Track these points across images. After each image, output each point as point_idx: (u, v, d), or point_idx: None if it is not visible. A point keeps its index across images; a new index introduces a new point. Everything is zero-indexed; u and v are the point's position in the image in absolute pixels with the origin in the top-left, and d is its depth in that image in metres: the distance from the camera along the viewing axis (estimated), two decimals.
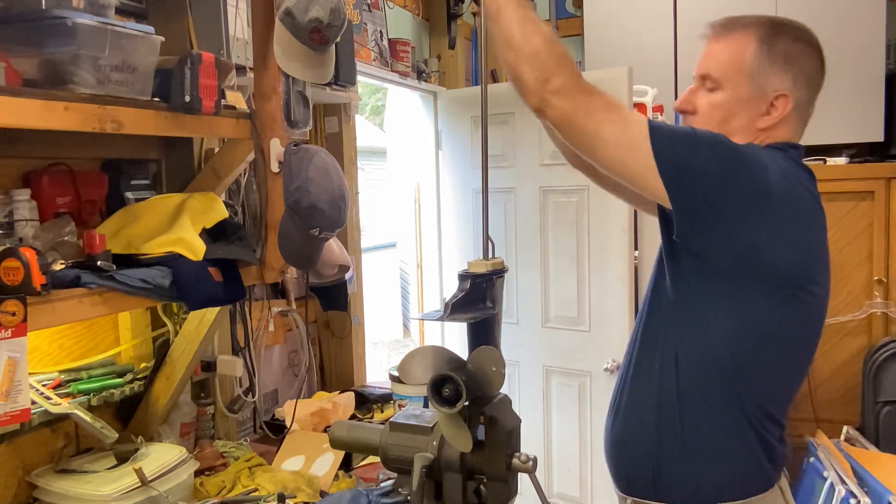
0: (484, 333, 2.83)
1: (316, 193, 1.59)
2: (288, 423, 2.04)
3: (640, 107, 2.95)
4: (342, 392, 2.37)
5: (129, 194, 1.67)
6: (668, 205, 1.17)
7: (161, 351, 1.83)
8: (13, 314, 1.14)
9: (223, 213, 1.64)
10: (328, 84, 1.91)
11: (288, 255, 1.67)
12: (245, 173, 1.98)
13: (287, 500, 1.55)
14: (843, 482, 2.55)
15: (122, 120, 1.31)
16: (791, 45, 1.28)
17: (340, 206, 1.64)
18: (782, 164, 1.22)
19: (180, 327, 1.82)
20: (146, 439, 1.68)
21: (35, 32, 1.22)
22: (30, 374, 1.35)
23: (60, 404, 1.53)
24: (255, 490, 1.69)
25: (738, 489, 1.25)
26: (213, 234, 1.61)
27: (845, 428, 3.05)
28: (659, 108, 3.03)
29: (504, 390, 1.34)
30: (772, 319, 1.22)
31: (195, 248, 1.47)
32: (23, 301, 1.15)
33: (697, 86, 1.33)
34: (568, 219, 3.04)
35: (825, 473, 2.65)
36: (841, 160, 3.24)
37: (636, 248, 3.01)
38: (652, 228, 3.06)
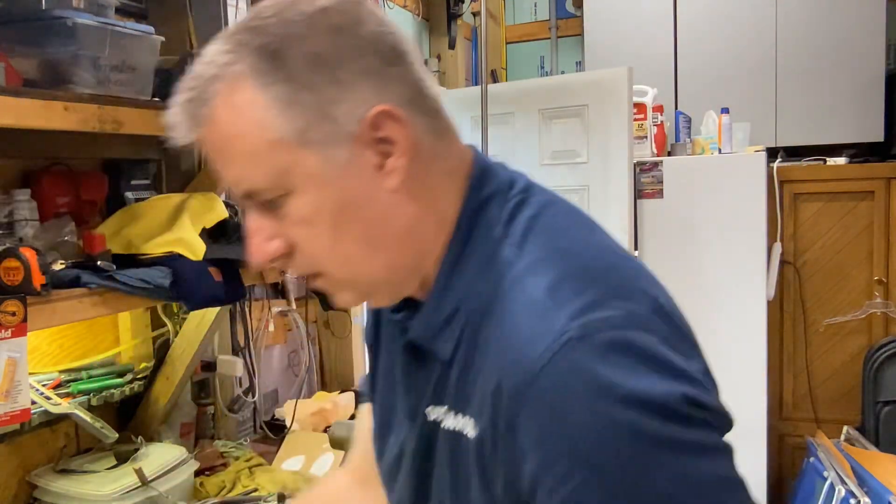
0: None
1: None
2: (288, 423, 2.04)
3: (640, 107, 2.95)
4: (342, 392, 2.37)
5: (129, 194, 1.67)
6: None
7: (161, 351, 1.83)
8: (13, 314, 1.14)
9: (223, 213, 1.64)
10: None
11: None
12: None
13: (287, 500, 1.55)
14: (843, 482, 2.55)
15: (122, 120, 1.31)
16: (310, 38, 0.62)
17: None
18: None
19: (180, 327, 1.82)
20: (146, 439, 1.68)
21: (35, 32, 1.22)
22: (30, 374, 1.34)
23: (60, 404, 1.53)
24: (255, 490, 1.69)
25: None
26: (213, 234, 1.61)
27: (845, 428, 3.05)
28: (659, 108, 3.04)
29: None
30: None
31: (195, 248, 1.47)
32: (23, 301, 1.15)
33: (255, 214, 0.67)
34: None
35: (825, 473, 2.65)
36: (841, 160, 3.24)
37: (636, 248, 3.01)
38: (652, 228, 3.07)
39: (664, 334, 0.60)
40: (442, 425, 0.69)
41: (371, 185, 0.65)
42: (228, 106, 0.64)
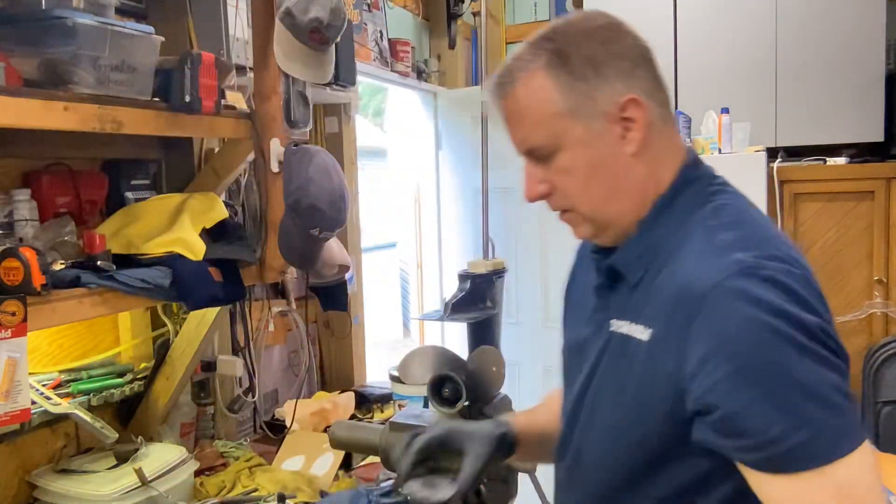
0: (484, 333, 2.84)
1: (316, 193, 1.59)
2: (288, 423, 2.04)
3: None
4: (342, 392, 2.37)
5: (129, 194, 1.67)
6: None
7: (161, 351, 1.83)
8: (13, 314, 1.14)
9: (223, 213, 1.64)
10: (328, 84, 1.91)
11: (288, 255, 1.67)
12: (245, 173, 1.98)
13: (287, 500, 1.55)
14: None
15: (122, 120, 1.32)
16: (586, 44, 0.93)
17: (340, 206, 1.64)
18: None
19: (180, 327, 1.82)
20: (146, 439, 1.68)
21: (35, 32, 1.22)
22: (30, 374, 1.35)
23: (60, 404, 1.53)
24: (255, 490, 1.69)
25: None
26: (213, 234, 1.61)
27: None
28: None
29: (504, 390, 1.34)
30: None
31: (195, 248, 1.47)
32: (23, 301, 1.15)
33: (530, 164, 0.98)
34: None
35: None
36: (841, 160, 3.24)
37: None
38: None
39: (811, 292, 0.83)
40: (617, 332, 0.94)
41: (615, 149, 0.93)
42: (527, 87, 0.93)
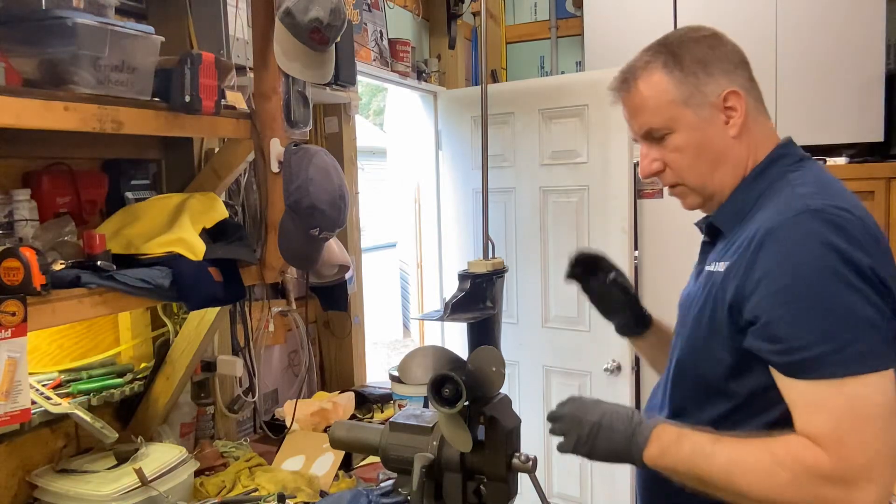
0: (484, 333, 2.84)
1: (316, 193, 1.59)
2: (288, 423, 2.04)
3: None
4: (342, 392, 2.37)
5: (129, 194, 1.67)
6: None
7: (161, 351, 1.83)
8: (13, 314, 1.14)
9: (223, 213, 1.64)
10: (328, 84, 1.91)
11: (288, 255, 1.67)
12: (245, 173, 1.98)
13: (287, 500, 1.55)
14: None
15: (122, 120, 1.31)
16: (695, 48, 1.16)
17: (340, 206, 1.64)
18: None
19: (180, 327, 1.82)
20: (146, 439, 1.68)
21: (35, 32, 1.22)
22: (30, 374, 1.35)
23: (60, 404, 1.53)
24: (255, 490, 1.69)
25: None
26: (213, 234, 1.61)
27: None
28: None
29: (504, 390, 1.34)
30: None
31: (195, 248, 1.47)
32: (23, 301, 1.15)
33: (647, 145, 1.21)
34: (568, 219, 3.04)
35: None
36: (841, 160, 3.24)
37: (636, 248, 3.01)
38: (652, 228, 3.07)
39: (866, 236, 1.00)
40: (707, 270, 1.16)
41: (720, 132, 1.16)
42: (648, 81, 1.18)
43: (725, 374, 1.09)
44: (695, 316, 1.15)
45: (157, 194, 1.70)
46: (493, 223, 3.15)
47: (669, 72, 1.15)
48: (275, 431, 2.17)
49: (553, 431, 1.18)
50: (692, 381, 1.16)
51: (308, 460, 1.86)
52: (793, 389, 0.99)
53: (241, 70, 1.83)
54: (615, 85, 1.24)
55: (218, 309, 1.73)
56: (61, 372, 1.67)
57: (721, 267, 1.10)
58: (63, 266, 1.28)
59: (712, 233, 1.21)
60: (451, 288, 3.01)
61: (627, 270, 2.89)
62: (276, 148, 1.64)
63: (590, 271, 1.50)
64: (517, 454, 1.15)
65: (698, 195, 1.20)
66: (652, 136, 1.19)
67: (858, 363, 0.94)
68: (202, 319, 1.77)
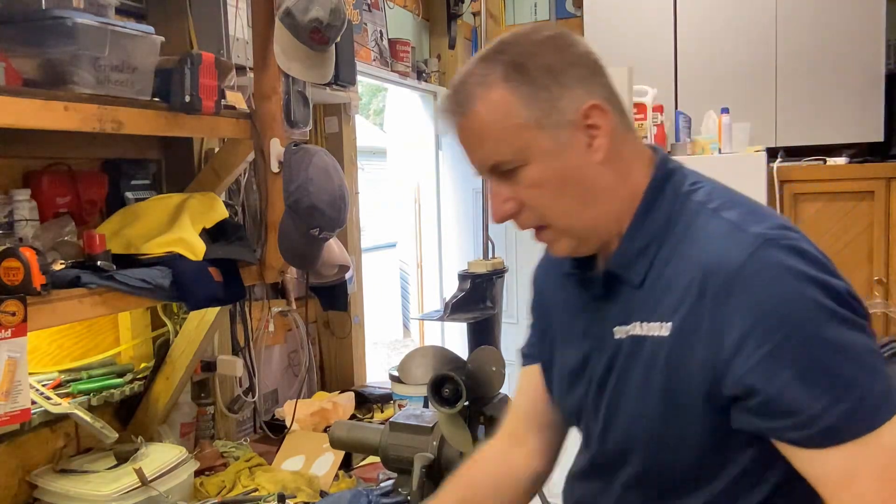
0: (484, 333, 2.84)
1: (316, 193, 1.59)
2: (288, 423, 2.04)
3: (640, 107, 2.95)
4: (342, 392, 2.37)
5: (129, 194, 1.67)
6: None
7: (161, 351, 1.82)
8: (13, 314, 1.14)
9: (223, 213, 1.64)
10: (328, 84, 1.91)
11: (288, 255, 1.67)
12: (245, 173, 1.98)
13: (287, 500, 1.55)
14: None
15: (122, 120, 1.31)
16: (541, 54, 0.89)
17: (340, 206, 1.64)
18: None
19: (180, 327, 1.82)
20: (146, 439, 1.68)
21: (35, 32, 1.22)
22: (30, 374, 1.34)
23: (60, 404, 1.53)
24: (255, 490, 1.69)
25: None
26: (213, 234, 1.61)
27: None
28: (659, 108, 3.03)
29: (504, 390, 1.34)
30: None
31: (195, 248, 1.47)
32: (23, 301, 1.15)
33: (496, 183, 0.93)
34: None
35: None
36: (841, 160, 3.24)
37: None
38: None
39: (825, 256, 0.84)
40: (625, 337, 0.91)
41: (584, 158, 0.90)
42: (486, 101, 0.88)
43: (699, 462, 0.89)
44: (634, 397, 0.91)
45: (157, 194, 1.70)
46: (493, 223, 3.14)
47: (514, 87, 0.87)
48: (275, 431, 2.16)
49: None
50: (652, 479, 0.94)
51: (308, 460, 1.85)
52: (820, 463, 0.80)
53: (241, 70, 1.83)
54: (446, 107, 0.93)
55: (218, 309, 1.73)
56: (61, 372, 1.67)
57: (658, 330, 0.87)
58: (63, 266, 1.28)
59: (609, 282, 0.95)
60: (451, 288, 3.01)
61: None
62: (276, 148, 1.64)
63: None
64: None
65: (568, 237, 0.94)
66: (500, 171, 0.91)
67: (886, 406, 0.79)
68: (202, 319, 1.77)
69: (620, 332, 0.92)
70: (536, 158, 0.89)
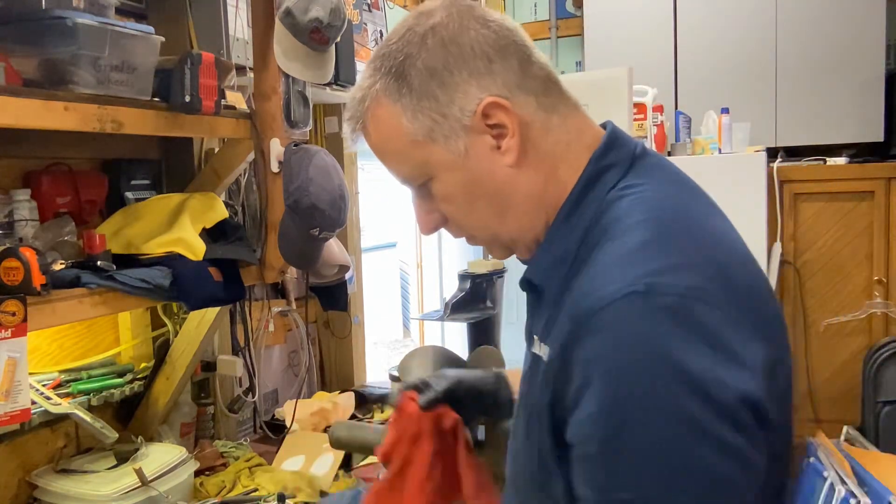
0: (484, 333, 2.84)
1: (316, 193, 1.59)
2: (288, 423, 2.04)
3: (640, 107, 2.95)
4: (342, 392, 2.37)
5: (129, 194, 1.67)
6: None
7: (161, 351, 1.83)
8: (13, 314, 1.14)
9: (223, 213, 1.64)
10: (328, 84, 1.91)
11: (288, 255, 1.67)
12: (245, 173, 1.97)
13: (287, 500, 1.55)
14: (843, 482, 2.54)
15: (122, 120, 1.32)
16: (421, 55, 0.77)
17: (340, 206, 1.64)
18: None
19: (180, 327, 1.82)
20: (146, 439, 1.68)
21: (35, 32, 1.22)
22: (30, 374, 1.34)
23: (60, 404, 1.53)
24: (255, 490, 1.69)
25: None
26: (213, 234, 1.61)
27: (845, 428, 3.05)
28: (659, 108, 3.04)
29: None
30: None
31: (195, 248, 1.47)
32: (23, 301, 1.15)
33: (415, 194, 0.86)
34: None
35: (825, 473, 2.65)
36: (841, 160, 3.24)
37: None
38: None
39: (728, 313, 0.66)
40: (535, 352, 0.81)
41: (492, 163, 0.79)
42: (375, 119, 0.81)
43: None
44: (521, 422, 0.83)
45: (157, 194, 1.70)
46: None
47: (396, 100, 0.78)
48: (275, 431, 2.16)
49: None
50: None
51: (308, 460, 1.85)
52: None
53: (241, 70, 1.83)
54: (347, 124, 0.85)
55: (218, 309, 1.73)
56: (61, 372, 1.67)
57: (545, 353, 0.76)
58: (63, 266, 1.28)
59: (533, 290, 0.85)
60: (451, 288, 3.01)
61: None
62: (276, 148, 1.64)
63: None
64: None
65: (500, 246, 0.86)
66: (412, 187, 0.84)
67: None
68: (202, 319, 1.77)
69: (535, 345, 0.82)
70: (438, 173, 0.80)
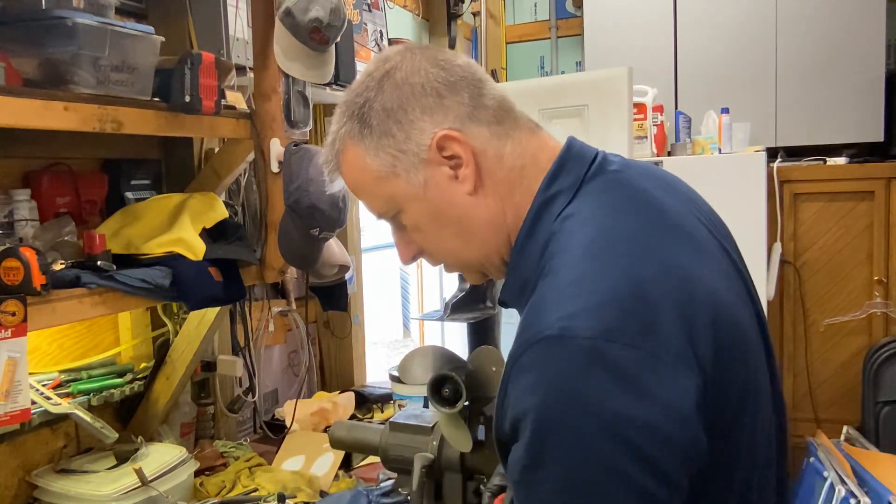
0: (484, 333, 2.84)
1: (316, 193, 1.59)
2: (288, 423, 2.04)
3: (640, 107, 2.95)
4: (342, 392, 2.37)
5: (129, 194, 1.67)
6: None
7: (161, 351, 1.83)
8: (13, 314, 1.14)
9: (223, 213, 1.64)
10: (328, 84, 1.91)
11: (288, 255, 1.67)
12: (245, 173, 1.98)
13: (287, 500, 1.55)
14: (843, 482, 2.55)
15: (122, 120, 1.32)
16: (378, 97, 0.83)
17: (340, 207, 1.64)
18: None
19: (180, 327, 1.82)
20: (146, 439, 1.68)
21: (35, 32, 1.22)
22: (30, 374, 1.34)
23: (60, 404, 1.53)
24: (255, 490, 1.69)
25: None
26: (213, 234, 1.61)
27: (845, 428, 3.05)
28: (659, 108, 3.04)
29: None
30: None
31: (195, 248, 1.47)
32: (23, 301, 1.15)
33: (392, 227, 0.91)
34: None
35: (825, 473, 2.65)
36: (841, 160, 3.24)
37: None
38: None
39: (646, 351, 0.66)
40: None
41: (451, 193, 0.83)
42: (345, 161, 0.87)
43: None
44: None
45: (157, 194, 1.70)
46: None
47: (359, 141, 0.84)
48: (275, 431, 2.16)
49: None
50: None
51: (308, 460, 1.85)
52: None
53: (241, 70, 1.83)
54: (325, 169, 0.92)
55: (218, 309, 1.73)
56: (61, 372, 1.67)
57: None
58: (63, 266, 1.28)
59: (509, 308, 0.90)
60: (451, 288, 3.01)
61: None
62: (276, 148, 1.64)
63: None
64: None
65: (471, 270, 0.91)
66: (387, 220, 0.90)
67: None
68: (202, 319, 1.77)
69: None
70: (405, 205, 0.85)
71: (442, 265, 0.92)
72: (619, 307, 0.68)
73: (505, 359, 0.75)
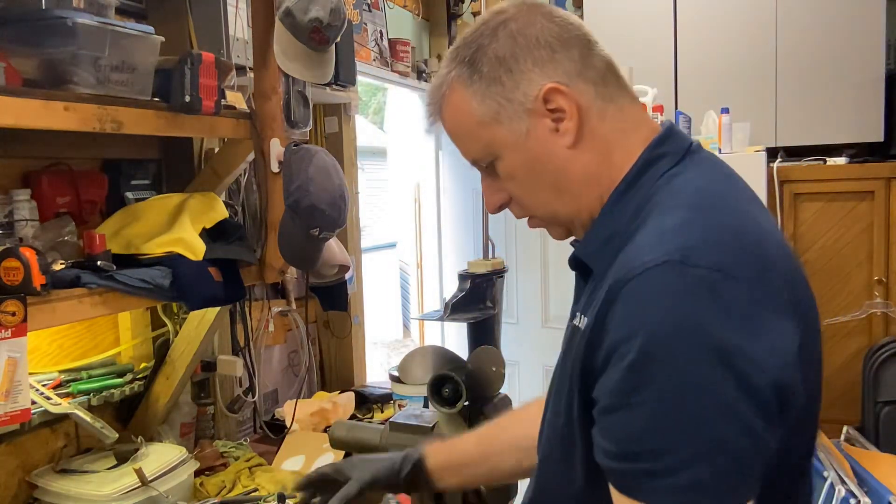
0: (484, 333, 2.84)
1: (316, 193, 1.59)
2: (288, 423, 2.04)
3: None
4: (342, 392, 2.37)
5: (129, 194, 1.67)
6: None
7: (161, 351, 1.83)
8: (13, 314, 1.14)
9: (223, 213, 1.64)
10: (328, 84, 1.91)
11: (288, 255, 1.67)
12: (245, 173, 1.98)
13: (287, 500, 1.55)
14: (843, 482, 2.55)
15: (122, 120, 1.32)
16: (492, 45, 0.86)
17: (340, 206, 1.64)
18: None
19: (180, 327, 1.82)
20: (146, 439, 1.68)
21: (35, 32, 1.22)
22: (30, 374, 1.35)
23: (60, 404, 1.53)
24: (255, 490, 1.69)
25: None
26: (213, 234, 1.61)
27: (845, 428, 3.05)
28: (659, 108, 3.04)
29: (504, 390, 1.34)
30: None
31: (195, 248, 1.47)
32: (23, 301, 1.15)
33: (483, 174, 0.94)
34: None
35: (825, 473, 2.65)
36: (841, 160, 3.24)
37: None
38: None
39: (757, 291, 0.69)
40: (574, 324, 0.86)
41: (551, 145, 0.85)
42: (450, 104, 0.90)
43: (579, 498, 0.81)
44: (553, 397, 0.87)
45: (157, 194, 1.70)
46: (493, 223, 3.15)
47: (468, 86, 0.87)
48: (275, 431, 2.16)
49: None
50: (556, 483, 0.87)
51: (308, 460, 1.86)
52: None
53: (241, 70, 1.83)
54: (426, 110, 0.95)
55: (218, 309, 1.73)
56: (61, 372, 1.67)
57: (583, 322, 0.80)
58: (63, 266, 1.28)
59: (581, 269, 0.91)
60: (451, 288, 3.02)
61: None
62: (276, 148, 1.64)
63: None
64: None
65: (558, 225, 0.92)
66: (480, 166, 0.92)
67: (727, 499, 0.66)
68: (202, 319, 1.77)
69: (577, 318, 0.86)
70: (503, 152, 0.88)
71: (527, 218, 0.93)
72: (738, 247, 0.72)
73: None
